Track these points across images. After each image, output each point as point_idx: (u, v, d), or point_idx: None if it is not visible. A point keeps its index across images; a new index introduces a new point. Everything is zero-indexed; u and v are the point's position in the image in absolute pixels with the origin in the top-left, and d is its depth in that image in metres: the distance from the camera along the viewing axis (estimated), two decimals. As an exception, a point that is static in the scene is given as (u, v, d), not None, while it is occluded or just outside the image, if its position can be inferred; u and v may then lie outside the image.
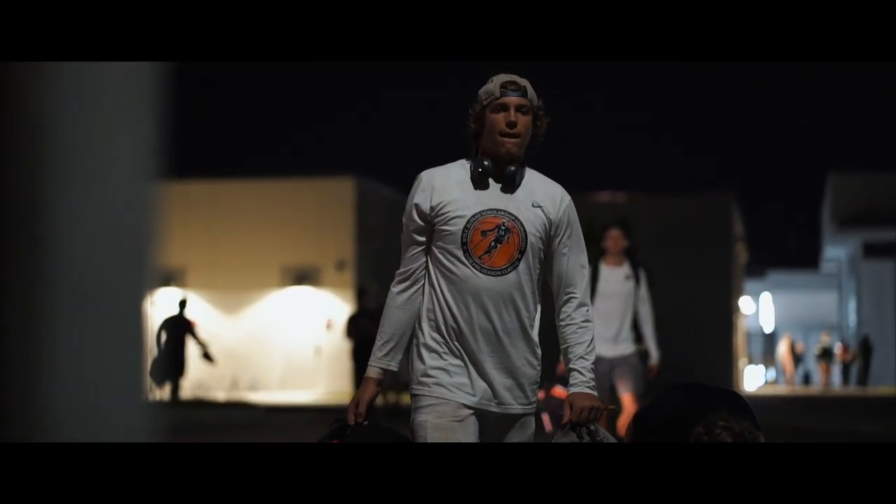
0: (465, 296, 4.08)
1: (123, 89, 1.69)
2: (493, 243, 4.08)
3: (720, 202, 34.30)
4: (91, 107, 1.65)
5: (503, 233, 4.09)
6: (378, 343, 4.21)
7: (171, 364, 19.78)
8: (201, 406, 19.05)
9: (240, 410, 19.13)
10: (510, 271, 4.09)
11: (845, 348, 41.58)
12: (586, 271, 4.27)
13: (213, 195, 31.04)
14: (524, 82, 4.18)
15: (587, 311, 4.23)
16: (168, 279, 30.48)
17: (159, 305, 28.99)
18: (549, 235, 4.17)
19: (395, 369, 4.24)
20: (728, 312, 34.40)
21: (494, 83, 4.16)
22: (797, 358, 44.43)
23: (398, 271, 4.21)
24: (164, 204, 1.83)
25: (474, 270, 4.07)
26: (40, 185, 1.62)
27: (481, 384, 4.09)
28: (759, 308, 51.68)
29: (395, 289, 4.21)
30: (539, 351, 4.21)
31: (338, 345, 29.79)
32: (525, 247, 4.10)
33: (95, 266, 1.65)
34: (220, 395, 22.21)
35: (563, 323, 4.21)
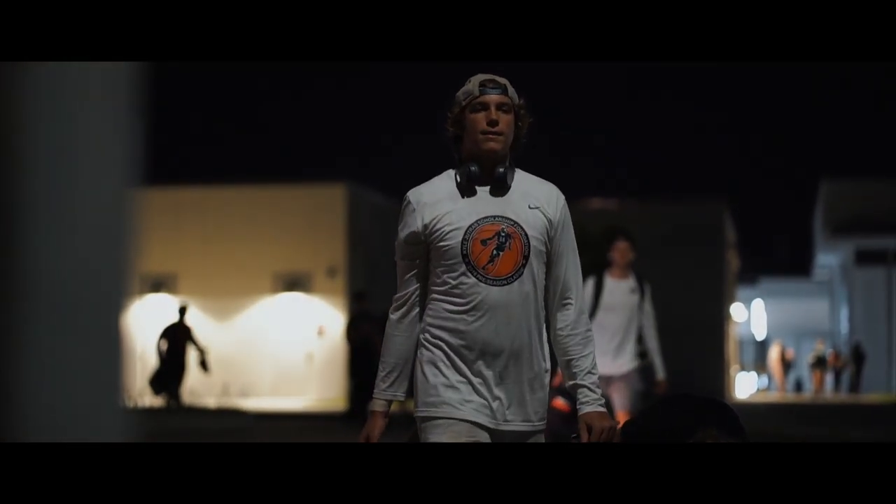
0: (472, 310, 3.88)
1: (101, 92, 1.64)
2: (495, 251, 3.88)
3: (712, 209, 34.31)
4: (67, 110, 1.60)
5: (504, 239, 3.89)
6: (381, 374, 4.03)
7: (174, 372, 19.73)
8: (192, 413, 18.97)
9: (230, 417, 19.06)
10: (516, 279, 3.89)
11: (836, 355, 41.62)
12: (580, 276, 4.07)
13: (204, 201, 30.98)
14: (503, 80, 3.98)
15: (587, 319, 4.05)
16: (159, 285, 30.43)
17: (149, 311, 28.97)
18: (550, 238, 3.98)
19: (402, 399, 4.06)
20: (720, 319, 34.40)
21: (472, 83, 3.97)
22: (787, 365, 44.45)
23: (395, 296, 4.02)
24: (143, 209, 1.78)
25: (479, 282, 3.87)
26: (17, 189, 1.57)
27: (491, 402, 3.90)
28: (750, 315, 51.71)
29: (393, 316, 4.02)
30: (548, 364, 4.02)
31: (329, 351, 29.75)
32: (528, 251, 3.90)
33: (71, 271, 1.60)
34: (211, 402, 22.15)
35: (563, 332, 4.01)
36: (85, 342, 1.65)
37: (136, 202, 1.70)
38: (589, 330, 4.04)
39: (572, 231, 4.06)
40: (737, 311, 42.81)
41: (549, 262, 4.00)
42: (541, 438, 4.03)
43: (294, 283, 30.62)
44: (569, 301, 4.02)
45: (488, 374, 3.89)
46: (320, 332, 30.07)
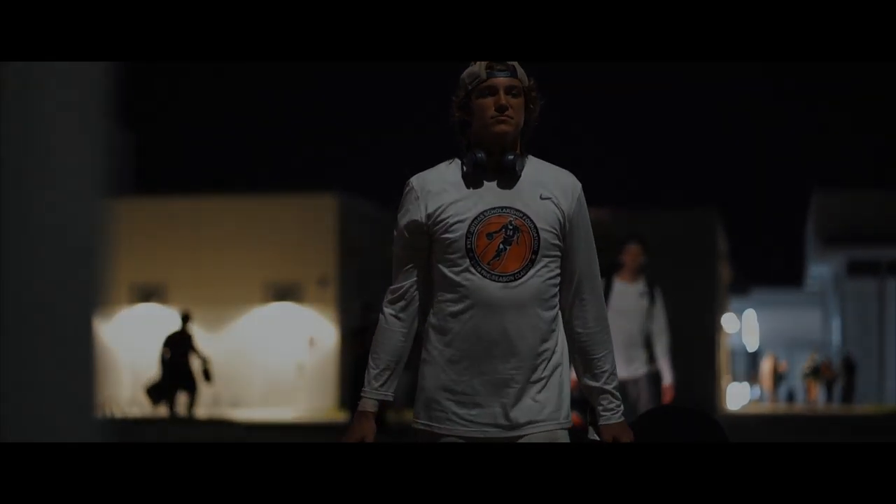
0: (477, 309, 3.63)
1: (72, 98, 1.58)
2: (501, 246, 3.63)
3: (704, 218, 34.36)
4: (34, 117, 1.54)
5: (511, 233, 3.64)
6: (373, 371, 3.77)
7: (177, 380, 19.62)
8: (181, 423, 18.91)
9: (221, 428, 18.99)
10: (523, 276, 3.64)
11: (827, 365, 41.74)
12: (598, 271, 3.82)
13: (194, 211, 30.96)
14: (512, 62, 3.72)
15: (606, 317, 3.82)
16: (149, 295, 30.39)
17: (138, 321, 28.89)
18: (564, 231, 3.72)
19: (392, 399, 3.79)
20: (712, 330, 34.43)
21: (478, 64, 3.70)
22: (779, 376, 44.49)
23: (391, 288, 3.78)
24: (125, 219, 1.72)
25: (484, 279, 3.62)
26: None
27: (497, 410, 3.67)
28: (742, 326, 51.78)
29: (388, 310, 3.77)
30: (562, 362, 3.76)
31: (320, 361, 29.73)
32: (538, 246, 3.65)
33: (40, 280, 1.54)
34: (201, 412, 22.09)
35: (581, 331, 3.78)
36: (55, 349, 1.59)
37: (111, 211, 1.64)
38: (608, 330, 3.82)
39: (589, 223, 3.83)
40: (728, 321, 42.84)
41: (564, 257, 3.75)
42: (564, 435, 3.79)
43: (285, 293, 30.59)
44: (585, 298, 3.78)
45: (497, 377, 3.67)
46: (311, 343, 30.04)
